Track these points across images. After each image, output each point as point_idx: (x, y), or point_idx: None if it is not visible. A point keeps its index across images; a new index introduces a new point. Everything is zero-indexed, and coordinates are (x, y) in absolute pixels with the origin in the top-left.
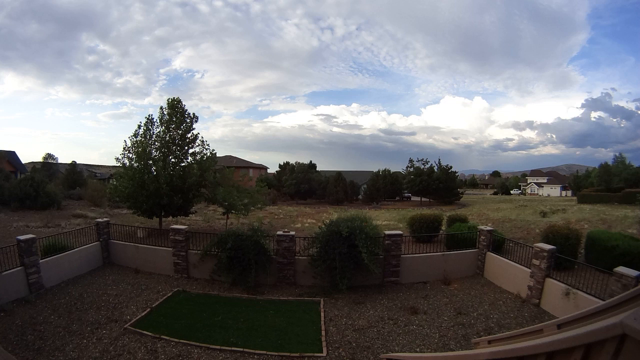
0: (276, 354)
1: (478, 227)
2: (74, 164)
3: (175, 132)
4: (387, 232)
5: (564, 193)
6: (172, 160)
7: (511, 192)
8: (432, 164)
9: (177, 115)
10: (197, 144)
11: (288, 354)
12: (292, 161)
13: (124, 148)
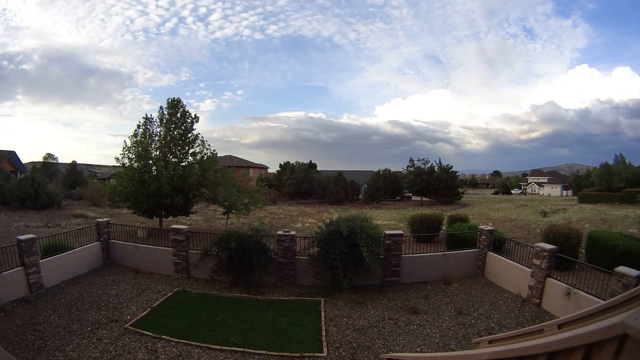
0: (277, 354)
1: (478, 226)
2: (74, 163)
3: (176, 132)
4: (387, 232)
5: (564, 193)
6: (173, 160)
7: (512, 191)
8: (432, 164)
9: (177, 115)
10: (197, 144)
11: (288, 354)
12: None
13: (123, 148)
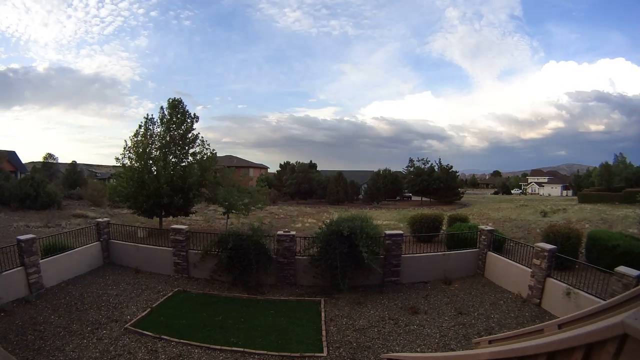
0: (277, 354)
1: (479, 226)
2: (74, 163)
3: (176, 132)
4: (387, 232)
5: (564, 193)
6: (173, 160)
7: (512, 191)
8: (432, 164)
9: (177, 115)
10: (197, 143)
11: (288, 354)
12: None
13: (124, 148)
